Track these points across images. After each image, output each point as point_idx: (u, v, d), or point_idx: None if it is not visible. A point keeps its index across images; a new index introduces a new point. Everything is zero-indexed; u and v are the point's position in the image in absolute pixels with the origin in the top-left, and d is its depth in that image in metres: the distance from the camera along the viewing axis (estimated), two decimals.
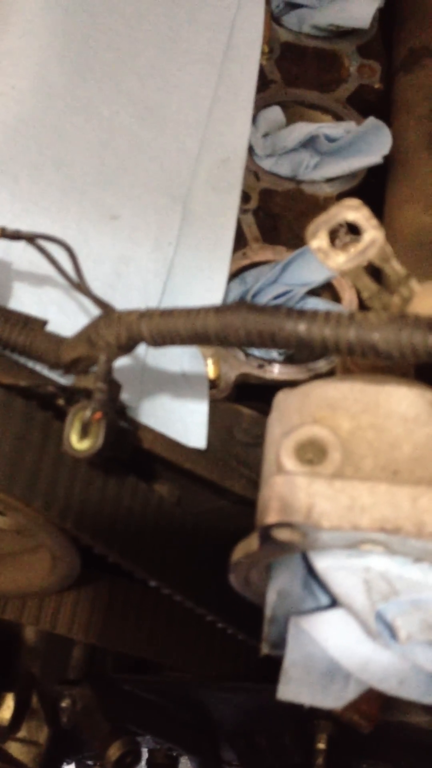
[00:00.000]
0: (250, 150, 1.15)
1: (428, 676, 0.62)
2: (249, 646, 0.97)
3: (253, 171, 1.15)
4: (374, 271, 0.65)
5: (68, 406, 0.74)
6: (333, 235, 0.63)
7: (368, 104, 1.25)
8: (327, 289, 1.05)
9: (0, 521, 0.92)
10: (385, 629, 0.60)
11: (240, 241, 1.07)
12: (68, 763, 1.62)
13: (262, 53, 1.23)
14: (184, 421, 0.90)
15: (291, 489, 0.57)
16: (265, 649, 0.63)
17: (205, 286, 1.00)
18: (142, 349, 0.75)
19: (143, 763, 1.49)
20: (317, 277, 1.01)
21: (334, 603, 0.62)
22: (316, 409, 0.62)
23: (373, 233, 0.62)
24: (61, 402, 0.77)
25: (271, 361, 0.99)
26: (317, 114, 1.23)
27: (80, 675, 1.28)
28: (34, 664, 1.27)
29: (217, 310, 0.66)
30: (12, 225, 0.84)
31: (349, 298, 1.04)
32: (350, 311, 0.62)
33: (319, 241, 0.63)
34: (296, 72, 1.27)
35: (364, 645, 0.61)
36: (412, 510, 0.54)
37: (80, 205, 1.01)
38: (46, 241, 0.84)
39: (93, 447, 0.70)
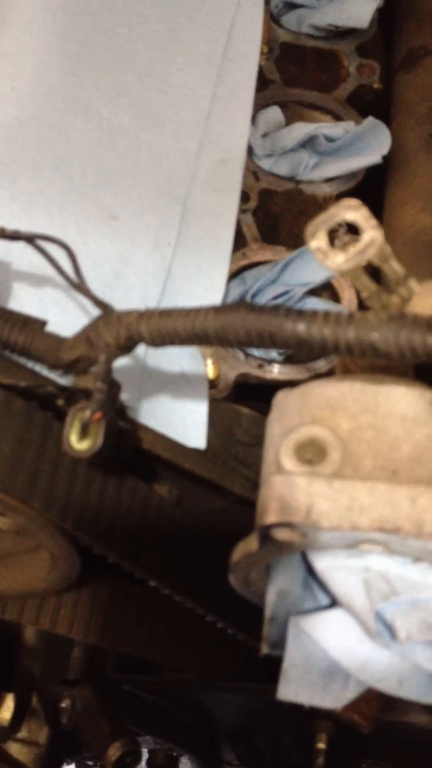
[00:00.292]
0: (250, 150, 1.15)
1: (428, 675, 0.62)
2: (249, 646, 0.97)
3: (252, 171, 1.15)
4: (373, 271, 0.65)
5: (68, 407, 0.74)
6: (332, 235, 0.63)
7: (367, 104, 1.25)
8: (326, 289, 1.05)
9: (0, 521, 0.92)
10: (384, 629, 0.60)
11: (239, 241, 1.07)
12: (68, 764, 1.62)
13: (261, 53, 1.23)
14: (183, 421, 0.90)
15: (290, 489, 0.57)
16: (264, 649, 0.63)
17: (204, 286, 1.00)
18: (141, 349, 0.75)
19: (143, 763, 1.49)
20: (317, 277, 1.01)
21: (333, 603, 0.62)
22: (316, 409, 0.62)
23: (372, 233, 0.62)
24: (60, 402, 0.77)
25: (270, 361, 0.99)
26: (316, 114, 1.23)
27: (80, 675, 1.28)
28: (34, 664, 1.27)
29: (217, 310, 0.66)
30: (11, 225, 0.83)
31: (348, 298, 1.04)
32: (349, 311, 0.62)
33: (318, 241, 0.63)
34: (295, 72, 1.27)
35: (364, 645, 0.61)
36: (412, 510, 0.55)
37: (79, 205, 1.01)
38: (46, 241, 0.84)
39: (93, 447, 0.70)
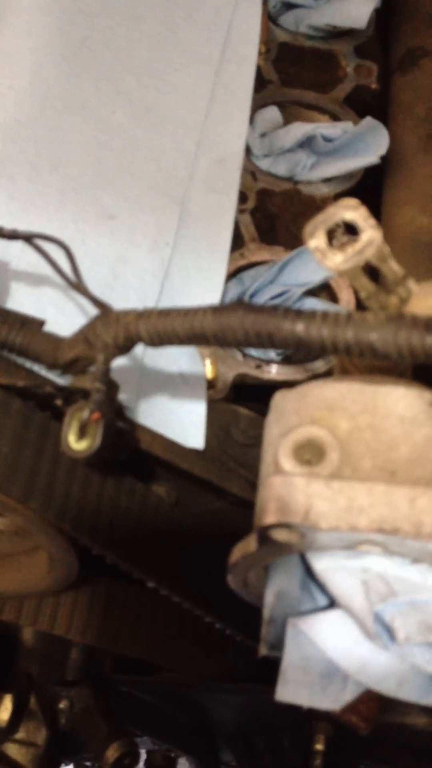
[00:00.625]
0: (247, 150, 1.15)
1: (427, 677, 0.62)
2: (247, 647, 0.97)
3: (250, 171, 1.15)
4: (372, 272, 0.65)
5: (66, 407, 0.73)
6: (331, 235, 0.63)
7: (365, 104, 1.25)
8: (325, 290, 1.05)
9: None
10: (383, 630, 0.60)
11: (237, 242, 1.07)
12: (66, 764, 1.62)
13: (259, 53, 1.23)
14: (181, 422, 0.90)
15: (289, 490, 0.56)
16: (263, 651, 0.62)
17: (202, 286, 1.00)
18: (139, 349, 0.75)
19: (141, 764, 1.49)
20: (315, 278, 1.01)
21: (332, 604, 0.62)
22: (314, 410, 0.62)
23: (370, 233, 0.62)
24: (58, 402, 0.77)
25: (268, 362, 0.99)
26: (314, 114, 1.23)
27: (78, 676, 1.28)
28: (32, 665, 1.27)
29: (215, 310, 0.66)
30: (9, 225, 0.83)
31: (346, 299, 1.04)
32: (348, 311, 0.62)
33: (316, 240, 0.62)
34: (293, 72, 1.27)
35: (363, 646, 0.61)
36: (410, 510, 0.54)
37: (77, 205, 1.01)
38: (44, 240, 0.84)
39: (91, 447, 0.70)
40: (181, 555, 0.88)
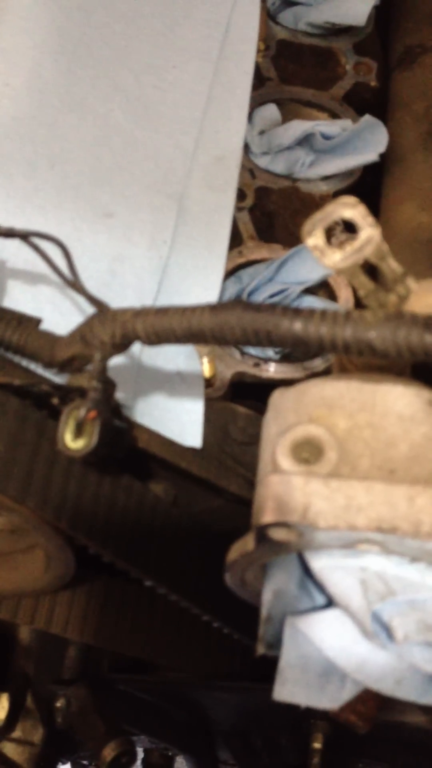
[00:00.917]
0: (246, 148, 1.14)
1: (425, 676, 0.62)
2: (245, 646, 0.97)
3: (248, 169, 1.14)
4: (371, 269, 0.65)
5: (63, 405, 0.73)
6: (329, 233, 0.63)
7: (364, 102, 1.24)
8: (323, 288, 1.05)
9: None
10: (381, 630, 0.60)
11: (236, 239, 1.07)
12: (63, 763, 1.62)
13: (258, 51, 1.23)
14: (179, 420, 0.90)
15: (287, 488, 0.56)
16: (260, 650, 0.62)
17: (200, 284, 1.00)
18: (137, 347, 0.75)
19: (138, 762, 1.49)
20: (313, 276, 1.01)
21: (330, 603, 0.61)
22: (313, 408, 0.62)
23: (369, 231, 0.61)
24: (55, 401, 0.77)
25: (267, 360, 0.99)
26: (313, 112, 1.23)
27: (75, 675, 1.28)
28: (28, 663, 1.27)
29: (213, 308, 0.66)
30: (6, 222, 0.83)
31: (345, 297, 1.03)
32: (346, 310, 0.62)
33: (315, 238, 0.62)
34: (292, 69, 1.27)
35: (361, 645, 0.61)
36: (409, 509, 0.54)
37: (75, 203, 1.00)
38: (41, 239, 0.83)
39: (87, 446, 0.70)
40: (179, 554, 0.88)
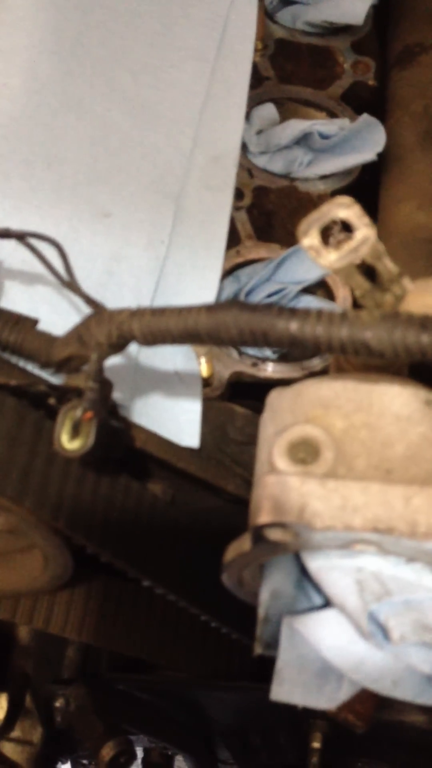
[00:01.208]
0: (244, 147, 1.14)
1: (422, 676, 0.62)
2: (242, 646, 0.97)
3: (246, 168, 1.14)
4: (367, 269, 0.65)
5: (59, 406, 0.73)
6: (326, 233, 0.63)
7: (362, 101, 1.24)
8: (321, 287, 1.05)
9: None
10: (378, 630, 0.60)
11: (233, 239, 1.07)
12: (63, 763, 1.62)
13: (256, 50, 1.23)
14: (177, 420, 0.89)
15: (283, 489, 0.56)
16: (258, 649, 0.62)
17: (198, 284, 1.00)
18: (134, 347, 0.75)
19: (138, 761, 1.48)
20: (311, 275, 1.01)
21: (327, 603, 0.61)
22: (309, 408, 0.62)
23: (364, 231, 0.61)
24: (52, 401, 0.77)
25: (264, 360, 0.99)
26: (311, 111, 1.23)
27: (74, 674, 1.28)
28: (27, 663, 1.27)
29: (209, 308, 0.66)
30: (3, 223, 0.83)
31: (343, 296, 1.03)
32: (342, 310, 0.62)
33: (310, 239, 0.62)
34: (290, 69, 1.27)
35: (358, 645, 0.61)
36: (405, 510, 0.54)
37: (72, 202, 1.00)
38: (37, 239, 0.83)
39: (84, 446, 0.70)
40: (177, 553, 0.88)
